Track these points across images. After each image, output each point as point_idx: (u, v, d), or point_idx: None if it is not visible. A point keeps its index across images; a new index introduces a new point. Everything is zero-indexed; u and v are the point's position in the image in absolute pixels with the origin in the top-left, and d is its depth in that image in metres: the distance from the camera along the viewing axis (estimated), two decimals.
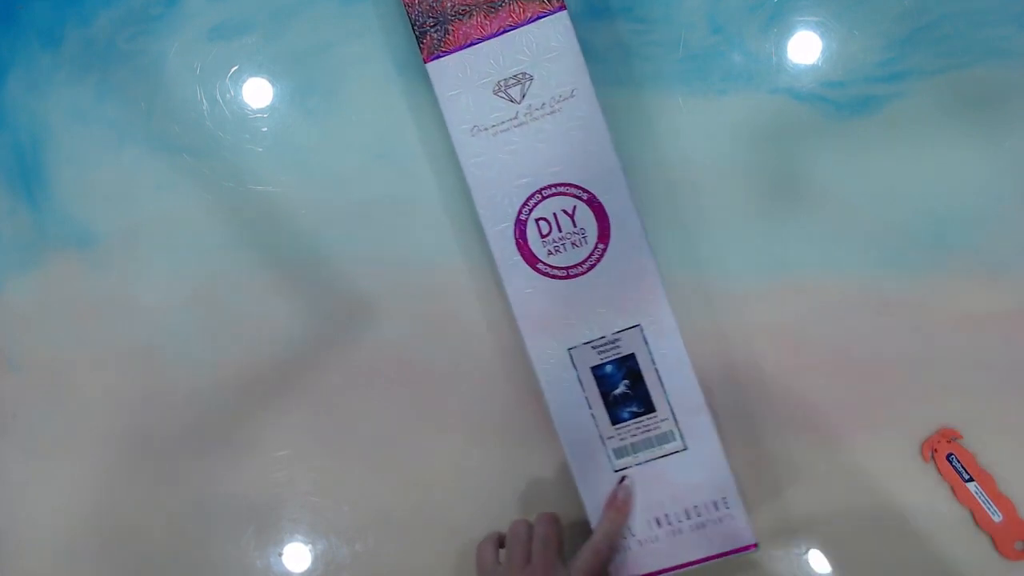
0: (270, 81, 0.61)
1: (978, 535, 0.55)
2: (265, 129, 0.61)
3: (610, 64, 0.58)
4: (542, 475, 0.59)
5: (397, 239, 0.60)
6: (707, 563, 0.53)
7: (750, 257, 0.58)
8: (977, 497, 0.55)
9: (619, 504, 0.53)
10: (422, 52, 0.54)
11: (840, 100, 0.57)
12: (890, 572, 0.56)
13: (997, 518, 0.55)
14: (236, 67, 0.61)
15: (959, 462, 0.55)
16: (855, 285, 0.57)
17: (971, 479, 0.55)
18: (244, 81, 0.61)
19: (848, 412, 0.57)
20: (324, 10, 0.61)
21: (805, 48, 0.58)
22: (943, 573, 0.55)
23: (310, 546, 0.60)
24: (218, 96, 0.62)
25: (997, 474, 0.55)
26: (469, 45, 0.54)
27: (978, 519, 0.55)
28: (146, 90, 0.62)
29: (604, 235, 0.53)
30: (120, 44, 0.62)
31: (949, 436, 0.55)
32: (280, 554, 0.61)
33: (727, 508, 0.53)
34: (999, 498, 0.55)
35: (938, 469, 0.56)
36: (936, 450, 0.55)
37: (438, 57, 0.54)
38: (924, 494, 0.56)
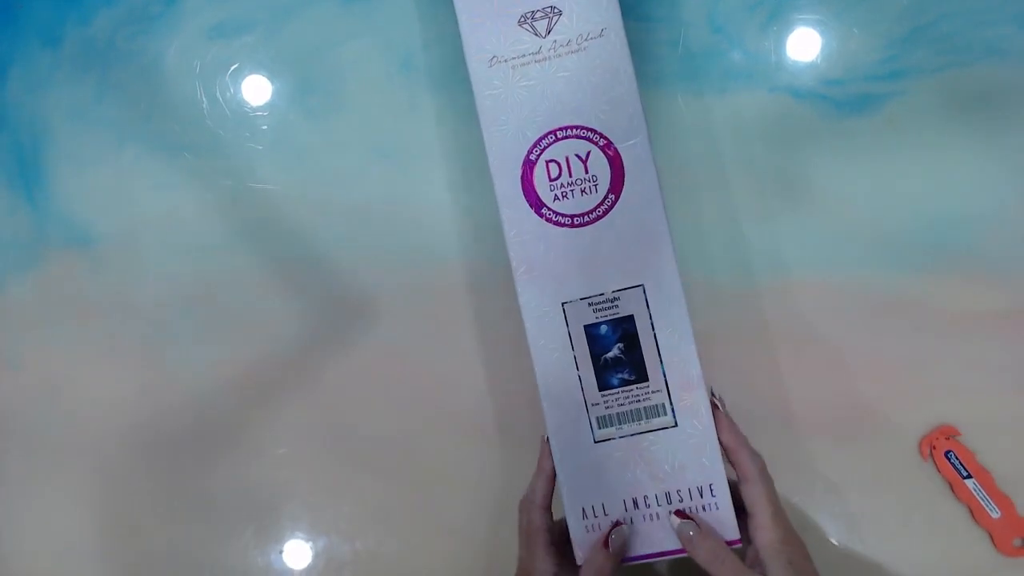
0: (270, 79, 0.61)
1: (976, 532, 0.55)
2: (265, 127, 0.61)
3: None
4: None
5: (397, 238, 0.60)
6: (681, 556, 0.49)
7: (750, 256, 0.58)
8: (975, 494, 0.55)
9: (611, 552, 0.48)
10: None
11: (840, 98, 0.57)
12: (889, 569, 0.56)
13: (995, 515, 0.55)
14: (236, 65, 0.61)
15: (958, 459, 0.55)
16: (855, 285, 0.57)
17: (969, 476, 0.55)
18: (244, 79, 0.61)
19: (847, 410, 0.57)
20: (324, 10, 0.61)
21: (805, 46, 0.58)
22: (942, 570, 0.56)
23: (310, 544, 0.60)
24: (218, 94, 0.61)
25: (995, 471, 0.55)
26: None
27: (976, 516, 0.55)
28: (146, 89, 0.62)
29: (617, 185, 0.50)
30: (120, 43, 0.62)
31: (948, 433, 0.56)
32: (280, 552, 0.61)
33: (712, 496, 0.49)
34: (997, 495, 0.55)
35: (936, 466, 0.56)
36: (935, 447, 0.56)
37: None
38: (922, 491, 0.56)
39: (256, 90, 0.61)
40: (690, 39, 0.58)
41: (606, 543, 0.48)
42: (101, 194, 0.62)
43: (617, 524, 0.49)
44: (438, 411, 0.60)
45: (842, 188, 0.57)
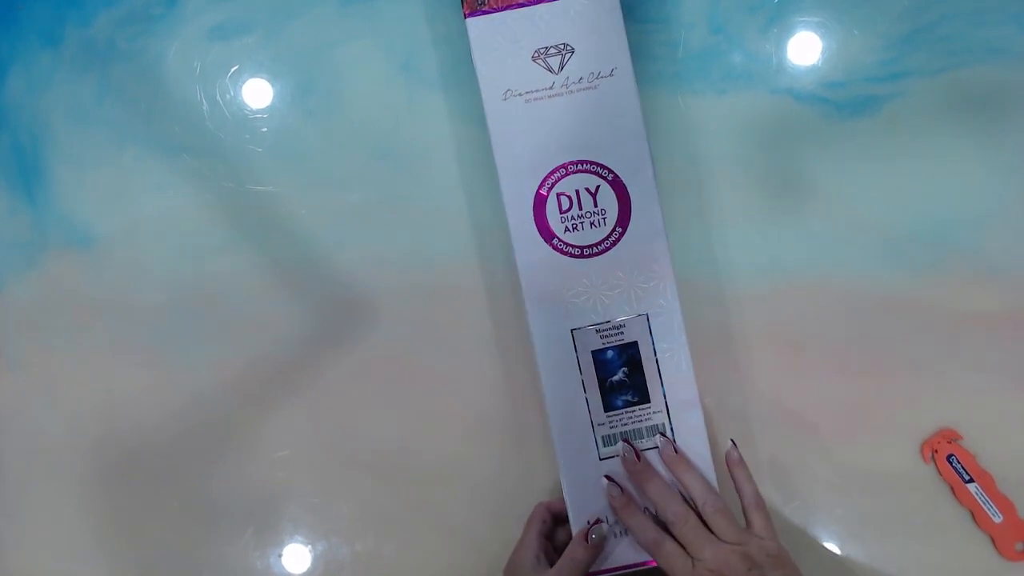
0: (270, 81, 0.61)
1: (978, 536, 0.55)
2: (265, 129, 0.61)
3: None
4: (541, 474, 0.59)
5: (396, 239, 0.60)
6: None
7: (750, 257, 0.58)
8: (977, 498, 0.55)
9: (590, 545, 0.52)
10: (464, 7, 0.53)
11: (840, 100, 0.57)
12: (889, 573, 0.56)
13: (997, 519, 0.55)
14: (236, 67, 0.61)
15: (959, 463, 0.55)
16: (855, 285, 0.57)
17: (971, 480, 0.55)
18: (244, 81, 0.61)
19: (848, 412, 0.57)
20: (324, 10, 0.61)
21: (805, 48, 0.58)
22: (943, 574, 0.55)
23: (310, 546, 0.60)
24: (218, 96, 0.62)
25: (997, 474, 0.55)
26: (516, 7, 0.53)
27: (978, 520, 0.55)
28: (146, 90, 0.62)
29: (624, 219, 0.53)
30: (120, 44, 0.62)
31: (949, 437, 0.55)
32: (280, 555, 0.61)
33: None
34: (999, 499, 0.55)
35: (938, 470, 0.56)
36: (936, 451, 0.55)
37: (482, 14, 0.53)
38: (924, 495, 0.56)
39: (256, 92, 0.61)
40: (691, 40, 0.58)
41: (586, 537, 0.52)
42: (101, 194, 0.62)
43: (597, 521, 0.52)
44: (438, 412, 0.60)
45: (843, 189, 0.57)
